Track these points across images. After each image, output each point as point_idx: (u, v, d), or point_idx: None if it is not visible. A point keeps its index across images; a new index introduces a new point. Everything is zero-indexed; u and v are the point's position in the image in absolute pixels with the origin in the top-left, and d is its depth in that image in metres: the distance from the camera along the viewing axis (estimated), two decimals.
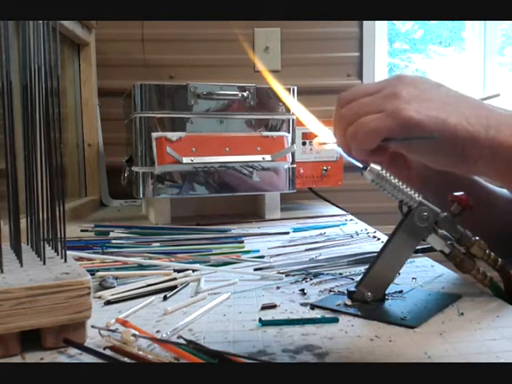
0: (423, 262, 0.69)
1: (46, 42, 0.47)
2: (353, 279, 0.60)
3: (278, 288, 0.58)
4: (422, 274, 0.62)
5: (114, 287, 0.57)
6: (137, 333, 0.41)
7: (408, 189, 0.51)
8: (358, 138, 0.44)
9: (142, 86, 1.00)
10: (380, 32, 1.59)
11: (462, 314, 0.48)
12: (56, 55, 0.47)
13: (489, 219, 0.63)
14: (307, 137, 1.22)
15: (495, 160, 0.44)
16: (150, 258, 0.68)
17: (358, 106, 0.45)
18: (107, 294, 0.54)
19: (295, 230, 0.94)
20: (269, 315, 0.49)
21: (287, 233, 0.91)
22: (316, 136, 0.53)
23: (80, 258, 0.66)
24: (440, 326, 0.46)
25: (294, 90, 1.08)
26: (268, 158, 1.02)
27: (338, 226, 0.98)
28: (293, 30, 1.53)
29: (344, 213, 1.16)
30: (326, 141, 0.51)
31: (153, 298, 0.55)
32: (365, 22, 1.55)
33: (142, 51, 1.50)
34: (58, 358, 0.40)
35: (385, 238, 0.82)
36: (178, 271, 0.63)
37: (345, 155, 0.47)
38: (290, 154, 1.06)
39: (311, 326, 0.46)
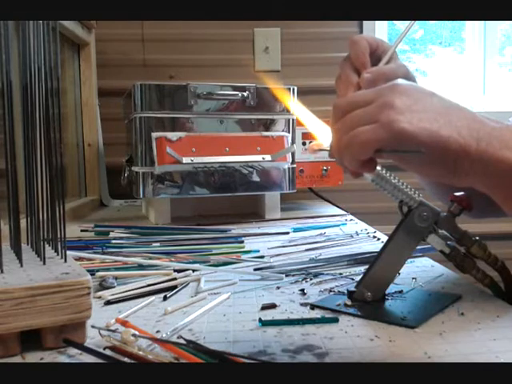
0: (423, 261, 0.68)
1: (46, 42, 0.47)
2: (353, 279, 0.60)
3: (278, 288, 0.58)
4: (422, 274, 0.62)
5: (114, 287, 0.57)
6: (137, 333, 0.41)
7: (408, 189, 0.51)
8: (351, 149, 0.44)
9: (142, 86, 1.00)
10: (380, 32, 1.59)
11: (462, 314, 0.48)
12: (56, 55, 0.47)
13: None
14: (307, 137, 1.22)
15: (485, 173, 0.44)
16: (150, 258, 0.68)
17: (351, 120, 0.45)
18: (107, 294, 0.54)
19: (295, 230, 0.94)
20: (269, 315, 0.49)
21: (287, 233, 0.91)
22: (315, 137, 0.53)
23: (80, 258, 0.66)
24: (440, 326, 0.46)
25: (294, 90, 1.08)
26: (268, 158, 1.02)
27: (338, 226, 0.98)
28: (293, 30, 1.53)
29: (344, 213, 1.16)
30: (321, 146, 0.51)
31: (153, 297, 0.55)
32: (365, 22, 1.55)
33: (142, 51, 1.50)
34: (58, 358, 0.40)
35: (385, 238, 0.82)
36: (178, 271, 0.63)
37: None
38: (290, 153, 1.06)
39: (311, 325, 0.46)
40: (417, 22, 0.58)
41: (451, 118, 0.44)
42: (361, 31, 1.55)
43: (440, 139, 0.43)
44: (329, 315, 0.48)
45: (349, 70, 0.55)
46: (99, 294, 0.55)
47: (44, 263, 0.46)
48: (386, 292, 0.53)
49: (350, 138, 0.44)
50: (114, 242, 0.78)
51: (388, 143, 0.43)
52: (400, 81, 0.47)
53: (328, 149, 0.48)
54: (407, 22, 0.55)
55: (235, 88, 1.05)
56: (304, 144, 1.23)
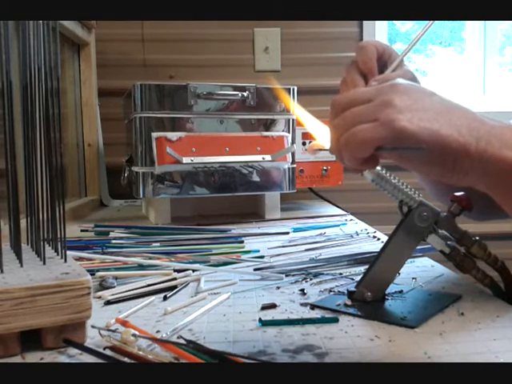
0: (423, 261, 0.69)
1: (46, 42, 0.47)
2: (353, 279, 0.60)
3: (278, 288, 0.58)
4: (422, 274, 0.62)
5: (114, 287, 0.57)
6: (137, 333, 0.41)
7: (408, 189, 0.51)
8: (350, 147, 0.44)
9: (142, 86, 1.00)
10: (380, 32, 1.59)
11: (462, 314, 0.48)
12: (56, 55, 0.47)
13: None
14: (307, 137, 1.22)
15: (485, 172, 0.44)
16: (150, 258, 0.68)
17: (351, 117, 0.45)
18: (107, 294, 0.54)
19: (295, 230, 0.94)
20: (269, 315, 0.49)
21: (287, 233, 0.91)
22: (315, 137, 0.53)
23: (80, 258, 0.66)
24: (440, 326, 0.46)
25: (293, 90, 1.08)
26: (268, 158, 1.02)
27: (338, 226, 0.98)
28: (293, 30, 1.53)
29: (344, 213, 1.16)
30: (321, 146, 0.51)
31: (153, 297, 0.55)
32: (365, 22, 1.55)
33: (142, 51, 1.50)
34: (58, 358, 0.40)
35: (385, 238, 0.82)
36: (178, 271, 0.63)
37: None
38: (290, 153, 1.06)
39: (311, 325, 0.46)
40: (416, 22, 0.58)
41: (451, 117, 0.44)
42: (361, 31, 1.54)
43: (440, 138, 0.43)
44: (329, 315, 0.48)
45: (355, 74, 0.55)
46: (99, 293, 0.55)
47: (44, 263, 0.46)
48: (386, 292, 0.53)
49: (348, 136, 0.44)
50: (114, 241, 0.78)
51: (387, 142, 0.43)
52: (400, 80, 0.46)
53: (328, 148, 0.48)
54: (410, 25, 0.55)
55: (235, 88, 1.05)
56: (304, 144, 1.23)
